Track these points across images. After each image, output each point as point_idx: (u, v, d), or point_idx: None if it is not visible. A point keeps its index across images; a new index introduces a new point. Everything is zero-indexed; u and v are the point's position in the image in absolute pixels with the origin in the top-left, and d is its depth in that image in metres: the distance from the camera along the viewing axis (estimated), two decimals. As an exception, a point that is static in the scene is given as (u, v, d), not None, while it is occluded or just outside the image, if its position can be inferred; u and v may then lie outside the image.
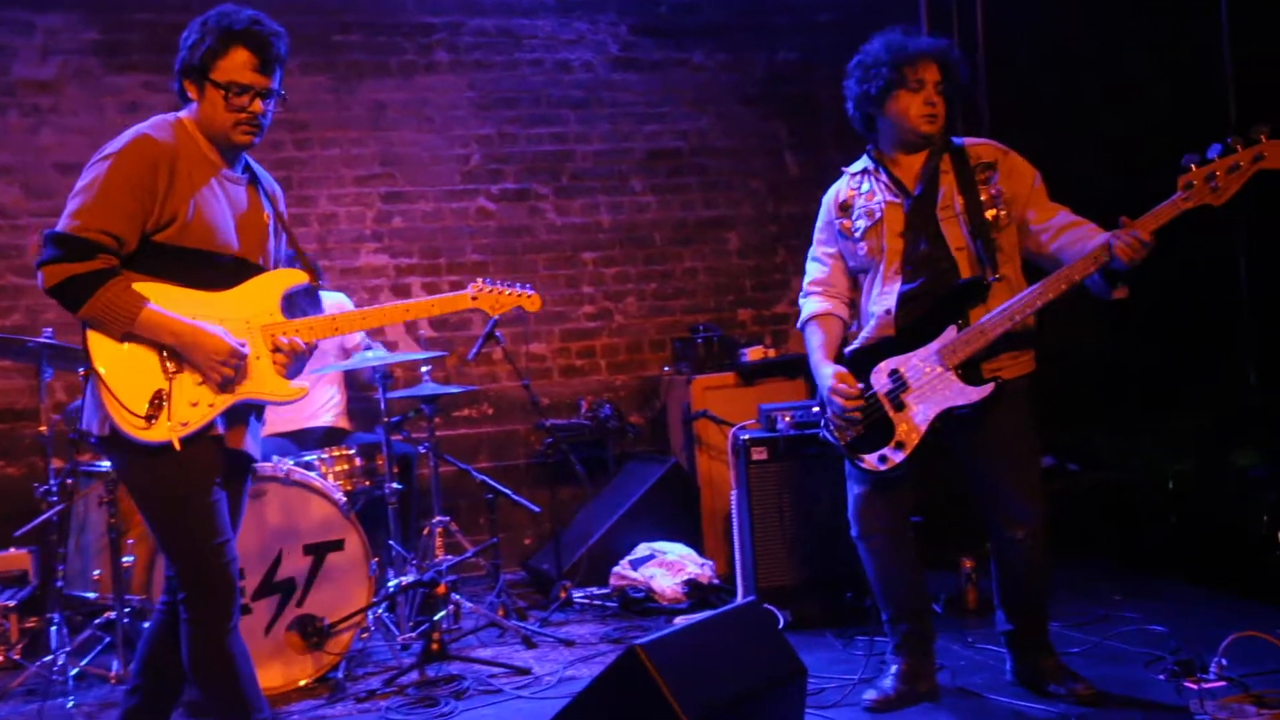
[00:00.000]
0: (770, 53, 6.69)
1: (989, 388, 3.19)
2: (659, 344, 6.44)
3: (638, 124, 6.46)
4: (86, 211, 2.64)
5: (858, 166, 3.47)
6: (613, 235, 6.42)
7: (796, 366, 5.68)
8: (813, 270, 3.52)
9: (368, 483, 4.63)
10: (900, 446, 3.22)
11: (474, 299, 3.01)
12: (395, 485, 4.58)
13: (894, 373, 3.26)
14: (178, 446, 2.66)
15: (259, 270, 2.83)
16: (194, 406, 2.70)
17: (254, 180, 2.88)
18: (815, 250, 3.53)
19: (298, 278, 2.86)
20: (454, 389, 5.18)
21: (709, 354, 5.91)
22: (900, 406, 3.24)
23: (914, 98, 3.29)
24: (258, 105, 2.75)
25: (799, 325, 3.53)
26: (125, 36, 5.69)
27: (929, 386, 3.21)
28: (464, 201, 6.21)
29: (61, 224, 2.64)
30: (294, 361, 2.80)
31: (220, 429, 2.75)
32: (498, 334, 5.32)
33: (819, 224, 3.52)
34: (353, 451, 4.64)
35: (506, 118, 6.26)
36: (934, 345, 3.22)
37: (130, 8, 5.68)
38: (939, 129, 3.33)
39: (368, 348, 5.00)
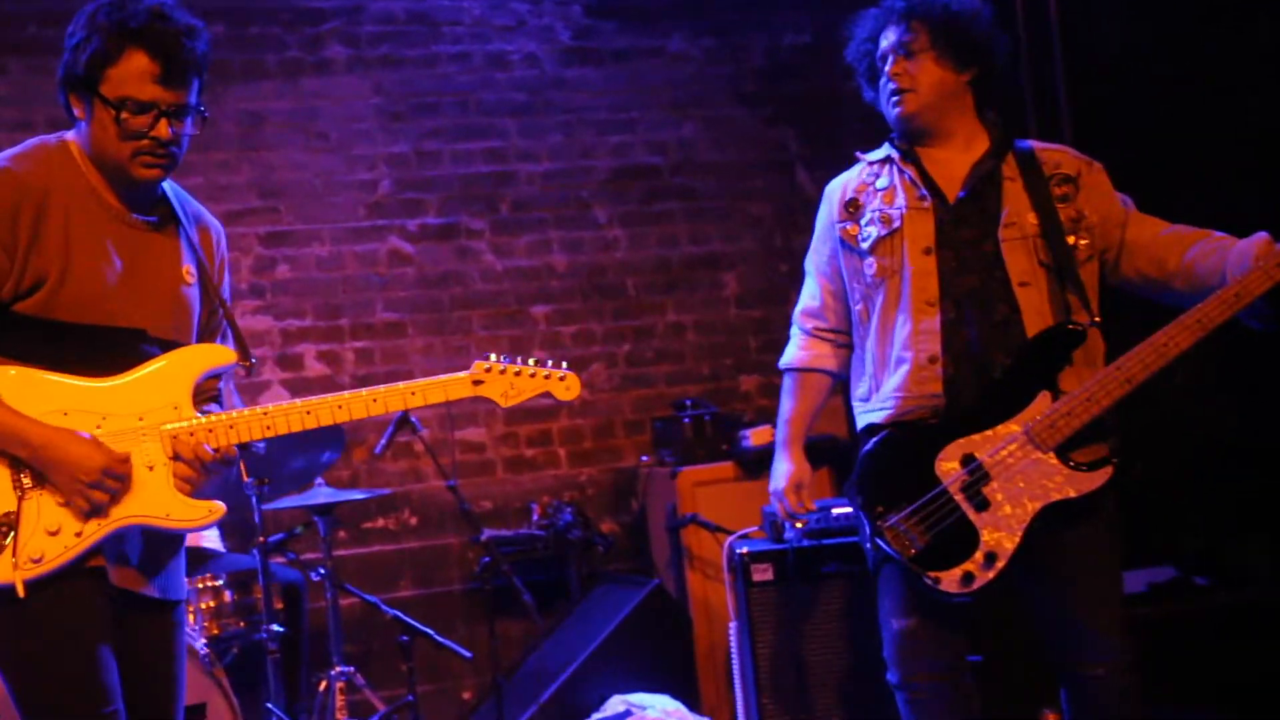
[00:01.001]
0: (771, 35, 6.69)
1: (1106, 472, 3.19)
2: (635, 425, 6.38)
3: (600, 134, 6.43)
4: None
5: (879, 154, 3.47)
6: (571, 282, 6.37)
7: (818, 453, 5.58)
8: (803, 294, 3.58)
9: (241, 624, 4.58)
10: (991, 559, 3.20)
11: (478, 384, 2.85)
12: (276, 627, 4.51)
13: (969, 459, 3.23)
14: (21, 592, 2.57)
15: (169, 347, 2.74)
16: (53, 535, 2.62)
17: (172, 221, 2.79)
18: (808, 264, 3.60)
19: (218, 357, 2.77)
20: (357, 494, 5.06)
21: (700, 438, 5.91)
22: (983, 504, 3.21)
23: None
24: (164, 129, 2.65)
25: (780, 365, 3.56)
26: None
27: (1021, 475, 3.18)
28: (371, 242, 6.15)
29: None
30: (201, 473, 2.69)
31: (103, 560, 2.68)
32: (413, 418, 5.22)
33: (815, 228, 3.56)
34: (220, 582, 4.59)
35: (425, 130, 6.22)
36: (1020, 418, 3.21)
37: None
38: (917, 108, 3.33)
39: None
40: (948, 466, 3.23)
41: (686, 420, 5.94)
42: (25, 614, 2.58)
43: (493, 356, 2.87)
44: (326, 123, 6.09)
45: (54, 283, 2.62)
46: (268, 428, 2.71)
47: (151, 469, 2.67)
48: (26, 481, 2.62)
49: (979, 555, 3.19)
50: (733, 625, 4.61)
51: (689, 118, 6.56)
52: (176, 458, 2.67)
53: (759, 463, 5.71)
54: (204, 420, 2.70)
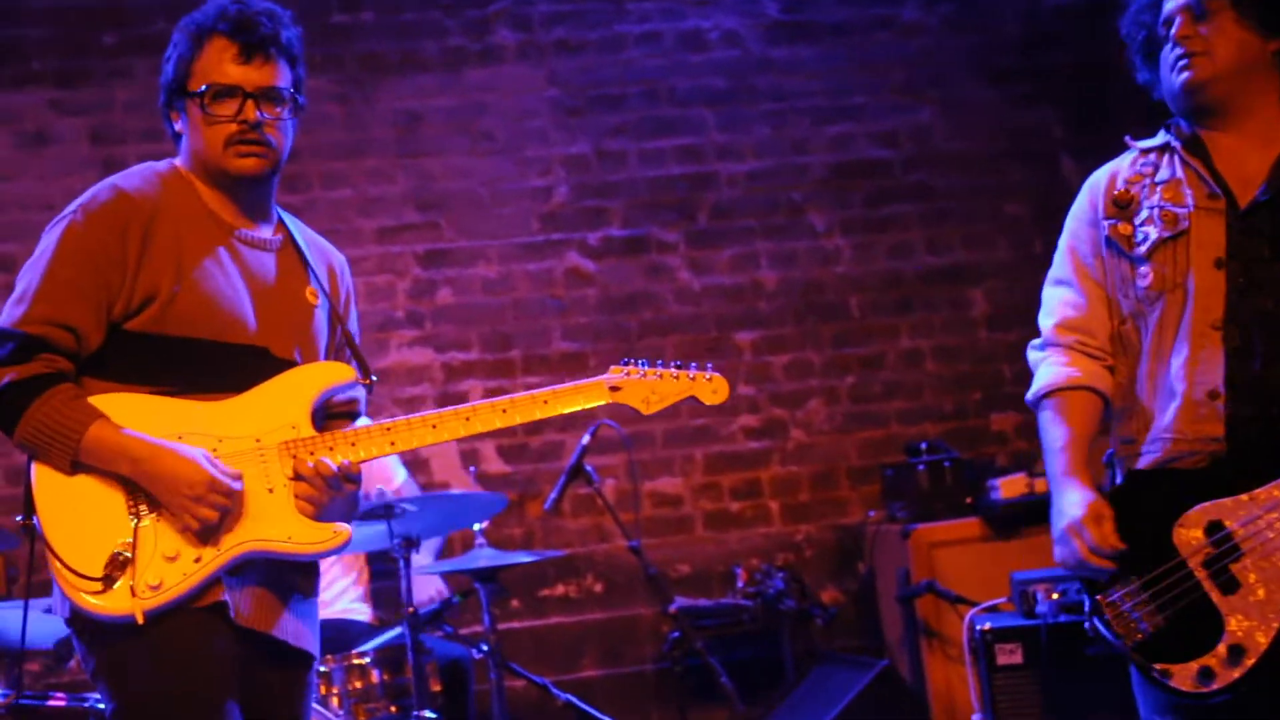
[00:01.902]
0: None
1: None
2: (862, 474, 6.43)
3: (816, 125, 6.51)
4: (28, 296, 2.91)
5: (1155, 141, 3.42)
6: (782, 303, 6.46)
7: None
8: (1056, 303, 3.48)
9: (393, 708, 4.69)
10: (1238, 654, 3.13)
11: (615, 390, 3.10)
12: (429, 714, 4.62)
13: (1215, 526, 3.19)
14: (141, 619, 2.83)
15: (289, 366, 3.05)
16: (171, 561, 2.89)
17: (292, 245, 3.13)
18: (1060, 268, 3.50)
19: (335, 374, 3.07)
20: (527, 556, 5.26)
21: (940, 489, 5.95)
22: (1231, 585, 3.16)
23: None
24: (250, 111, 2.98)
25: (1029, 400, 3.46)
26: (20, 32, 6.04)
27: None
28: (546, 260, 6.37)
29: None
30: (324, 493, 2.95)
31: (226, 596, 2.92)
32: (589, 467, 5.38)
33: (1071, 225, 3.50)
34: (368, 660, 4.74)
35: (608, 127, 6.39)
36: None
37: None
38: (1210, 74, 3.24)
39: (381, 496, 5.13)
40: (1188, 535, 3.18)
41: (923, 468, 5.95)
42: (146, 648, 2.85)
43: (630, 364, 3.10)
44: (493, 121, 6.29)
45: (166, 296, 2.93)
46: (391, 443, 3.00)
47: (271, 491, 2.94)
48: (143, 508, 2.88)
49: (1222, 648, 3.11)
50: (976, 718, 4.68)
51: (925, 101, 6.59)
52: (297, 477, 2.94)
53: (1010, 520, 5.73)
54: (323, 436, 2.98)
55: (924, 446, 6.11)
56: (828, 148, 6.52)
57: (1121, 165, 3.43)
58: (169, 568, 2.85)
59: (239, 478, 2.90)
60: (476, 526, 5.10)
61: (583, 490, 5.92)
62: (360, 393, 3.18)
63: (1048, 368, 3.41)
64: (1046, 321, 3.46)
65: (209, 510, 2.84)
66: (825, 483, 6.44)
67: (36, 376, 2.87)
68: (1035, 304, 6.24)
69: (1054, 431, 3.36)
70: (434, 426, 3.00)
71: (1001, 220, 6.62)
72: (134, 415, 2.90)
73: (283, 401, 3.00)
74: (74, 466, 2.87)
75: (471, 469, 5.89)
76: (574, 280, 6.38)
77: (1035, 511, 5.60)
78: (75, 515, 2.87)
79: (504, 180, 6.32)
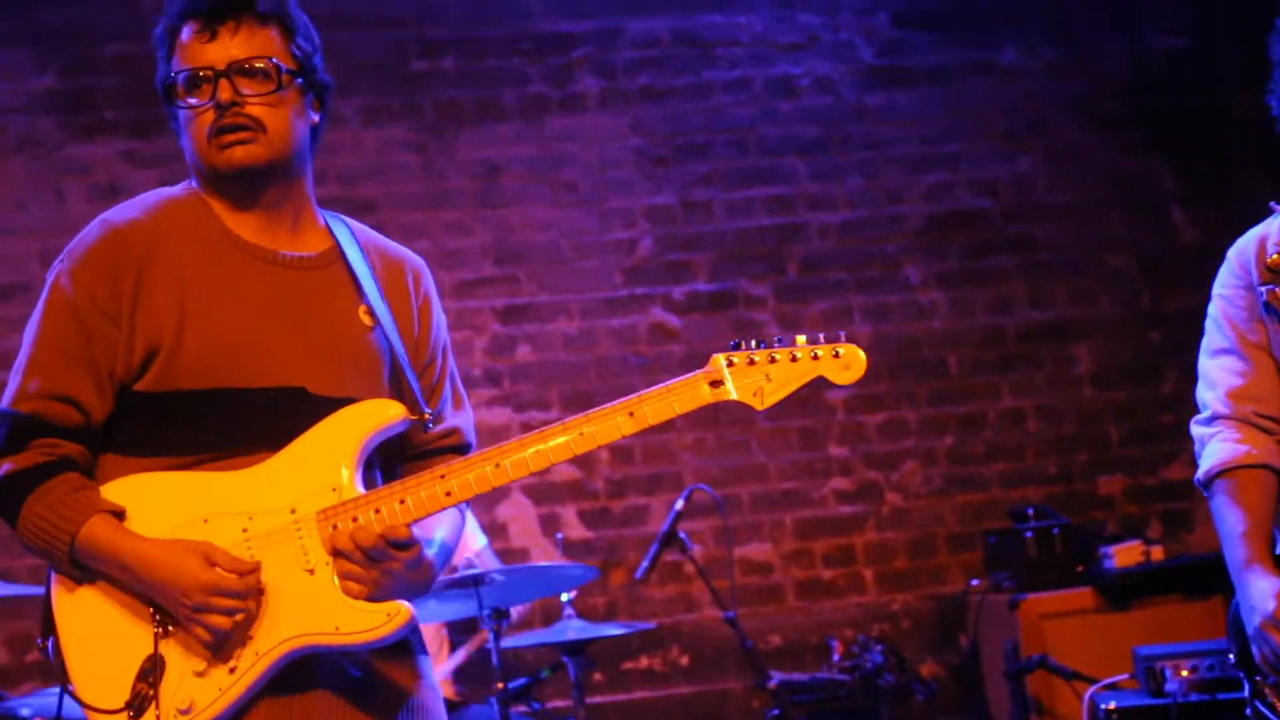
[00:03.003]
0: (1134, 39, 6.67)
1: None
2: (963, 540, 6.40)
3: (912, 174, 6.50)
4: (21, 368, 2.67)
5: None
6: (877, 359, 6.31)
7: (1205, 576, 5.56)
8: (1219, 373, 3.46)
9: None
10: None
11: (716, 386, 2.64)
12: None
13: None
14: None
15: (338, 406, 2.71)
16: (201, 677, 2.61)
17: (339, 258, 2.79)
18: (1218, 338, 3.48)
19: (380, 415, 2.69)
20: (616, 628, 5.20)
21: (1048, 556, 5.88)
22: None
23: None
24: (225, 90, 2.65)
25: (1198, 480, 3.40)
26: (93, 82, 6.10)
27: None
28: (630, 315, 6.34)
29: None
30: (371, 568, 2.59)
31: (285, 704, 2.64)
32: (681, 533, 5.32)
33: (1222, 294, 3.48)
34: None
35: (695, 176, 6.39)
36: None
37: (97, 37, 6.06)
38: None
39: (469, 566, 5.10)
40: None
41: (1029, 534, 5.90)
42: None
43: (737, 345, 2.66)
44: (575, 171, 6.31)
45: (170, 343, 2.64)
46: (447, 493, 2.62)
47: (313, 572, 2.61)
48: (168, 615, 2.61)
49: None
50: (1095, 809, 4.56)
51: (1027, 149, 6.58)
52: (338, 554, 2.60)
53: (1127, 590, 5.67)
54: (368, 496, 2.63)
55: (1030, 512, 6.05)
56: (924, 197, 6.51)
57: (1270, 229, 3.43)
58: (200, 685, 2.58)
59: (255, 569, 2.58)
60: (564, 596, 5.06)
61: (669, 558, 5.82)
62: (459, 420, 2.83)
63: (1218, 444, 3.38)
64: (1211, 393, 3.43)
65: (219, 618, 2.55)
66: (923, 549, 6.40)
67: (35, 467, 2.63)
68: (1142, 361, 6.56)
69: (1231, 515, 3.31)
70: (497, 465, 2.61)
71: (1106, 274, 6.60)
72: (152, 501, 2.64)
73: (320, 457, 2.64)
74: (79, 576, 2.62)
75: (559, 535, 5.81)
76: (658, 336, 6.35)
77: (1153, 581, 5.69)
78: (95, 630, 2.62)
79: (586, 232, 6.32)
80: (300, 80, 2.71)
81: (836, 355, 2.67)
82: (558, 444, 2.61)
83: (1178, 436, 6.36)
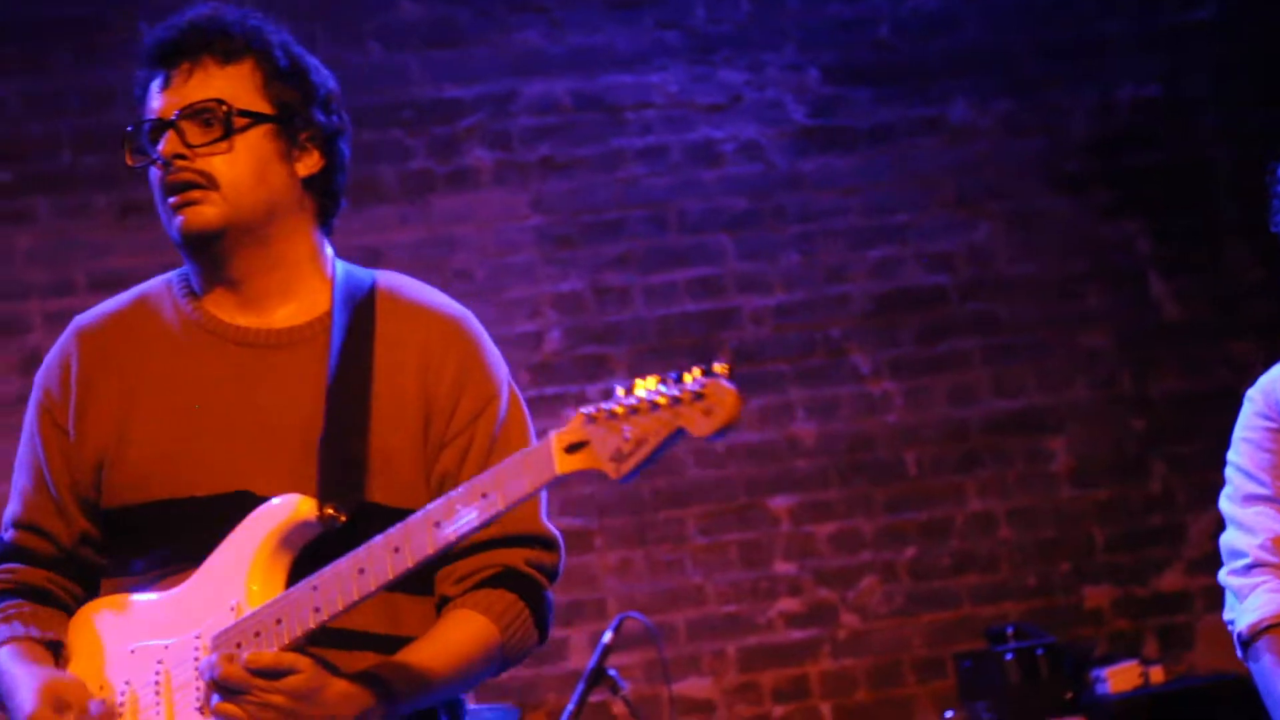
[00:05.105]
0: (1100, 88, 6.63)
1: None
2: (932, 666, 6.28)
3: (854, 248, 6.42)
4: (13, 488, 2.75)
5: None
6: (823, 461, 6.32)
7: (1214, 704, 5.58)
8: (1255, 519, 3.48)
9: None
10: None
11: (575, 450, 2.29)
12: None
13: None
14: None
15: None
16: None
17: (327, 332, 2.68)
18: (1250, 485, 3.49)
19: (281, 514, 2.55)
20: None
21: (1033, 683, 5.80)
22: None
23: None
24: (170, 142, 2.59)
25: (1240, 634, 3.40)
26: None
27: None
28: (540, 418, 5.80)
29: None
30: (246, 704, 2.45)
31: None
32: (611, 670, 5.15)
33: (1248, 438, 3.51)
34: None
35: (607, 258, 6.28)
36: None
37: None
38: None
39: None
40: None
41: (1009, 656, 5.82)
42: None
43: (598, 408, 2.30)
44: (469, 256, 6.21)
45: (112, 457, 2.64)
46: (316, 609, 2.43)
47: (202, 712, 2.54)
48: None
49: None
50: None
51: (984, 215, 6.51)
52: (217, 689, 2.46)
53: (1126, 718, 5.71)
54: (257, 613, 2.49)
55: (1009, 630, 6.01)
56: (870, 275, 6.43)
57: None
58: None
59: (101, 707, 2.54)
60: None
61: (596, 698, 5.58)
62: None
63: (1261, 596, 3.41)
64: (1249, 540, 3.47)
65: None
66: (887, 678, 6.28)
67: None
68: (1126, 453, 6.36)
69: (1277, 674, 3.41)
70: (361, 571, 2.39)
71: (1081, 355, 6.52)
72: (91, 630, 2.67)
73: (226, 570, 2.56)
74: None
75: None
76: (573, 444, 6.06)
77: (1155, 709, 5.76)
78: None
79: (486, 325, 5.98)
80: (276, 123, 2.62)
81: (698, 397, 2.21)
82: (415, 539, 2.38)
83: (1171, 540, 6.43)
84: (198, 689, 2.52)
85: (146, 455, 2.64)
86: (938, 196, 6.48)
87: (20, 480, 2.73)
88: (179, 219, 2.59)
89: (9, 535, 2.73)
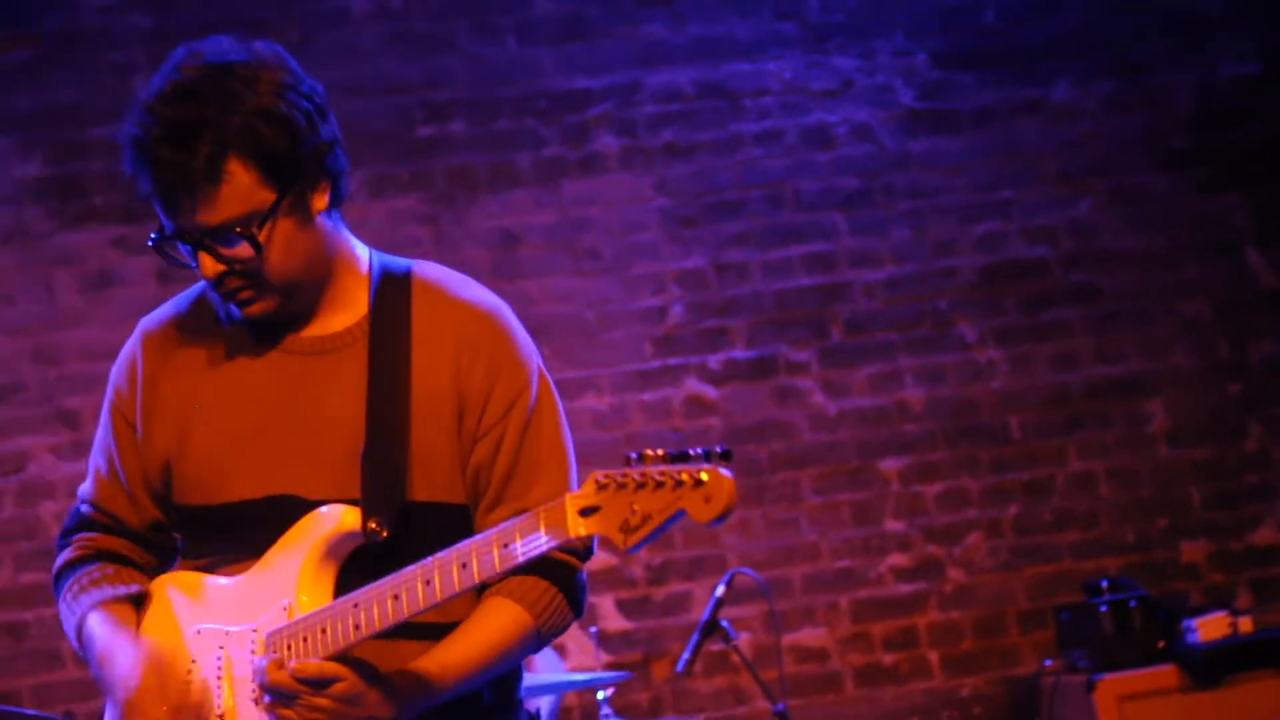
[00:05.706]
0: (1201, 67, 6.66)
1: None
2: (1033, 617, 6.36)
3: (961, 224, 6.50)
4: (89, 465, 2.85)
5: None
6: (931, 425, 6.43)
7: None
8: None
9: None
10: None
11: (588, 514, 2.30)
12: None
13: None
14: None
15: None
16: None
17: (364, 338, 2.71)
18: None
19: (326, 523, 2.62)
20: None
21: (1127, 632, 5.86)
22: None
23: None
24: (207, 266, 2.56)
25: None
26: (82, 167, 6.15)
27: None
28: (663, 388, 6.32)
29: None
30: (295, 708, 2.51)
31: None
32: (724, 621, 5.30)
33: None
34: None
35: (726, 236, 6.40)
36: None
37: (83, 121, 6.09)
38: None
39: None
40: None
41: (1105, 608, 5.87)
42: None
43: (618, 471, 2.29)
44: (598, 236, 6.34)
45: (176, 460, 2.69)
46: (357, 626, 2.47)
47: (257, 702, 2.58)
48: None
49: None
50: None
51: (1087, 192, 6.56)
52: (265, 690, 2.53)
53: (1214, 666, 5.64)
54: (307, 618, 2.55)
55: (1105, 584, 6.03)
56: (976, 249, 6.50)
57: None
58: None
59: (181, 710, 2.60)
60: (600, 694, 5.09)
61: (715, 647, 5.78)
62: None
63: None
64: None
65: None
66: (991, 629, 6.36)
67: (66, 564, 2.80)
68: (1223, 416, 6.48)
69: None
70: (396, 598, 2.43)
71: (1180, 323, 6.57)
72: (171, 600, 2.72)
73: (280, 570, 2.61)
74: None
75: (592, 629, 5.76)
76: (694, 409, 6.33)
77: (1242, 656, 5.68)
78: None
79: (612, 302, 6.31)
80: (287, 198, 2.56)
81: (698, 484, 2.20)
82: (445, 575, 2.41)
83: (1266, 497, 6.50)
84: (253, 685, 2.55)
85: (203, 460, 2.67)
86: (1041, 174, 6.50)
87: (97, 461, 2.79)
88: (237, 310, 2.64)
89: (86, 509, 2.80)
